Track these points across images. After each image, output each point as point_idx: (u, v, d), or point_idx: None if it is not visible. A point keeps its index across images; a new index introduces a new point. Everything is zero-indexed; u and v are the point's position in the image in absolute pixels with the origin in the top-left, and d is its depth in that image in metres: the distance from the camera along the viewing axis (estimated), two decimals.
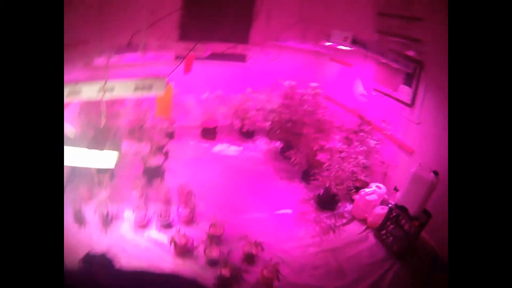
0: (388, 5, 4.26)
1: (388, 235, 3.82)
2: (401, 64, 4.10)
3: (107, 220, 3.51)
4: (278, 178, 4.98)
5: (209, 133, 5.67)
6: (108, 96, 2.65)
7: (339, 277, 3.40)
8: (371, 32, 4.60)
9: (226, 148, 5.57)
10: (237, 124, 5.87)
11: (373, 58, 4.76)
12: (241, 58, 5.69)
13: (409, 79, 4.18)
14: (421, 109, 4.08)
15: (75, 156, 2.35)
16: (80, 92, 2.54)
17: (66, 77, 2.12)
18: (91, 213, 3.55)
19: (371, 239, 3.96)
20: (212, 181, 4.62)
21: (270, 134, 5.69)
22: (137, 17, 3.26)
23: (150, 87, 2.73)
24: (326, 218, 4.24)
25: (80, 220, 3.46)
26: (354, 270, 3.49)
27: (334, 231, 4.04)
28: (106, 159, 2.41)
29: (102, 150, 2.28)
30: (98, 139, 2.35)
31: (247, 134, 5.88)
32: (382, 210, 4.04)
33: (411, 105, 4.20)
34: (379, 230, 3.94)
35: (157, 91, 2.79)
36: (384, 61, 4.44)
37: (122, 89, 2.66)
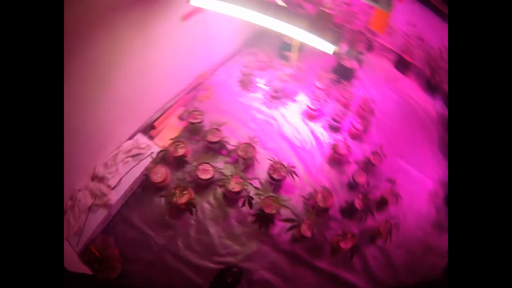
0: None
1: None
2: None
3: (276, 95, 3.41)
4: None
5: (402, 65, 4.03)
6: None
7: None
8: None
9: None
10: None
11: None
12: None
13: None
14: None
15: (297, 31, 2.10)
16: None
17: None
18: (262, 82, 3.53)
19: None
20: (393, 110, 3.68)
21: None
22: None
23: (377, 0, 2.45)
24: None
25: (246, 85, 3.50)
26: None
27: None
28: (323, 46, 2.29)
29: (321, 37, 2.15)
30: (316, 25, 2.22)
31: None
32: None
33: None
34: None
35: (382, 7, 2.46)
36: None
37: None
